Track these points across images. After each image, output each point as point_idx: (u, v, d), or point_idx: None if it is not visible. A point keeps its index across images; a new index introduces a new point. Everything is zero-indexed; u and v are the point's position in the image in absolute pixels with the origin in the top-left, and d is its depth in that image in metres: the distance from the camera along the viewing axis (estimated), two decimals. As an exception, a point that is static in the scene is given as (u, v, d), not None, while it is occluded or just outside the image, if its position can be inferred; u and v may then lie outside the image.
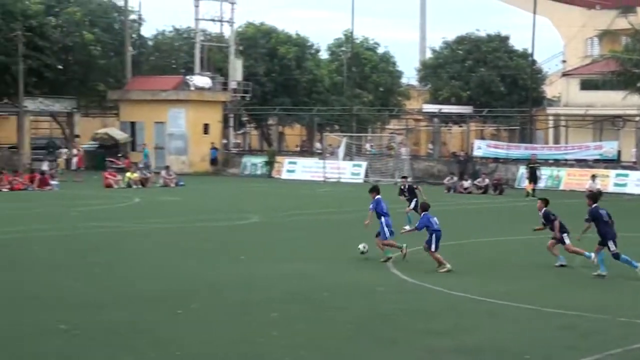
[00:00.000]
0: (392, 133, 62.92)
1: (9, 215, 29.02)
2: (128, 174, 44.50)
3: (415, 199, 25.71)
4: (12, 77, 56.11)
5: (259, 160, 57.02)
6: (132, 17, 65.77)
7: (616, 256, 17.42)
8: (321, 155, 54.83)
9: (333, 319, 13.32)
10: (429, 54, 73.93)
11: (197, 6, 61.04)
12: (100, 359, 10.69)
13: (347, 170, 51.95)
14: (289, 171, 53.73)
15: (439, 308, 14.34)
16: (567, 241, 18.62)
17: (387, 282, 16.70)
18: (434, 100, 65.28)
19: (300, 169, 53.66)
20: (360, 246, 19.56)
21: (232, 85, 60.76)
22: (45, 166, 46.23)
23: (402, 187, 26.97)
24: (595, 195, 18.62)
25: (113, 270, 17.43)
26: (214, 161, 57.21)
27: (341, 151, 53.89)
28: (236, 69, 61.12)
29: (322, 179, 50.34)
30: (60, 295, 14.61)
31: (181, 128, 57.40)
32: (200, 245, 21.73)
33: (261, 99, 64.72)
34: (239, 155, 60.30)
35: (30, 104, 57.77)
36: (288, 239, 23.40)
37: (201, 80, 58.69)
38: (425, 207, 18.89)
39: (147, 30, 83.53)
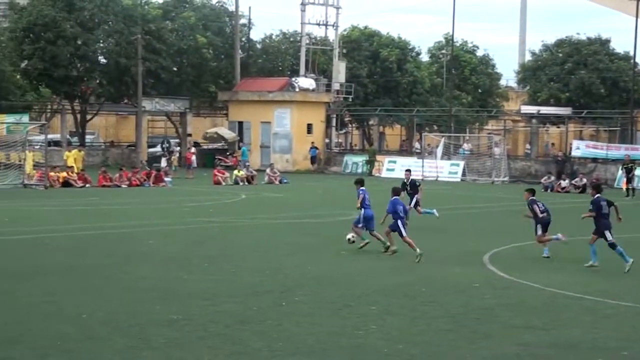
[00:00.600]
0: (489, 134, 62.07)
1: (128, 210, 29.84)
2: (235, 172, 45.16)
3: (416, 195, 25.31)
4: (131, 78, 57.66)
5: (360, 159, 57.06)
6: (242, 21, 66.66)
7: (612, 246, 17.55)
8: (420, 154, 54.52)
9: (430, 313, 13.26)
10: (528, 57, 72.72)
11: (303, 11, 61.49)
12: (206, 348, 10.87)
13: (445, 170, 51.55)
14: (388, 170, 53.60)
15: (536, 304, 14.12)
16: (539, 232, 19.11)
17: (483, 278, 16.53)
18: (533, 101, 64.19)
19: (399, 168, 53.39)
20: (349, 235, 19.96)
21: (335, 86, 60.97)
22: (163, 163, 47.42)
23: (405, 182, 26.08)
24: (598, 186, 18.69)
25: (221, 263, 17.73)
26: (313, 160, 57.40)
27: (439, 151, 53.49)
28: (339, 71, 61.30)
29: (420, 177, 50.03)
30: (173, 287, 14.95)
31: (286, 128, 57.91)
32: (304, 240, 21.91)
33: (363, 100, 64.77)
34: (341, 154, 60.52)
35: (147, 104, 59.23)
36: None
37: (306, 82, 59.10)
38: (397, 192, 19.33)
39: (256, 34, 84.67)
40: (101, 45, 59.88)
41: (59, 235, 21.58)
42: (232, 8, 65.42)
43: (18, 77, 57.79)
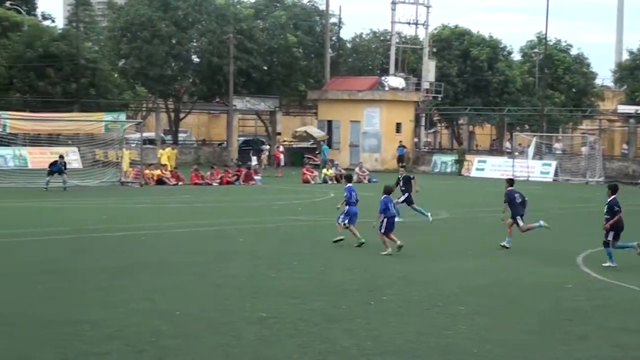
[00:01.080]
0: (583, 133, 60.80)
1: (219, 208, 30.31)
2: (324, 170, 45.36)
3: (408, 192, 25.16)
4: (223, 77, 58.57)
5: (449, 158, 56.63)
6: (333, 20, 66.97)
7: (607, 245, 17.83)
8: (510, 154, 53.78)
9: (520, 314, 13.12)
10: (625, 56, 70.98)
11: (393, 10, 61.38)
12: (296, 346, 10.99)
13: (536, 169, 50.74)
14: (478, 169, 53.06)
15: (632, 306, 13.85)
16: (520, 223, 19.91)
17: (576, 279, 16.27)
18: (630, 101, 62.61)
19: (489, 168, 52.89)
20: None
21: (425, 85, 60.69)
22: (254, 161, 47.98)
23: (399, 177, 25.98)
24: (615, 187, 18.53)
25: (310, 262, 17.87)
26: (400, 158, 56.89)
27: (531, 150, 52.66)
28: (429, 70, 60.99)
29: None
30: (263, 285, 15.14)
31: (375, 127, 57.89)
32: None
33: (452, 99, 64.28)
34: (430, 153, 60.21)
35: (238, 103, 60.03)
36: (474, 234, 23.19)
37: (395, 81, 58.99)
38: (388, 191, 19.61)
39: (346, 33, 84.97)
40: (194, 44, 60.96)
41: (153, 233, 22.09)
42: (322, 7, 65.75)
43: (116, 75, 59.31)
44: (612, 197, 17.97)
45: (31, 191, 34.74)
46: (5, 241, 19.95)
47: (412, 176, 26.37)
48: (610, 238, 17.73)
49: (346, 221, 20.28)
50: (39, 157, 44.06)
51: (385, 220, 19.05)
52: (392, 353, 10.78)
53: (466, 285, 15.44)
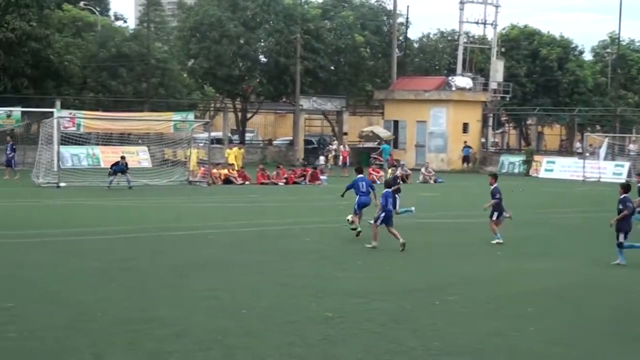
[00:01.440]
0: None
1: (285, 207, 30.46)
2: (389, 170, 45.15)
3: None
4: (290, 77, 58.84)
5: (517, 159, 55.98)
6: (400, 20, 66.76)
7: (620, 245, 17.87)
8: (581, 155, 52.89)
9: (589, 317, 12.93)
10: None
11: (461, 9, 60.91)
12: (361, 346, 10.99)
13: (608, 171, 49.79)
14: (547, 170, 52.33)
15: None
16: (494, 217, 20.66)
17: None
18: None
19: (558, 168, 52.12)
20: (349, 217, 21.55)
21: (493, 85, 60.09)
22: (321, 161, 48.09)
23: (397, 176, 26.48)
24: (627, 186, 18.62)
25: (374, 262, 17.87)
26: (466, 159, 56.45)
27: (602, 151, 51.71)
28: (497, 70, 60.38)
29: (581, 178, 48.56)
30: (327, 284, 15.19)
31: (441, 127, 57.54)
32: (456, 239, 21.82)
33: (521, 99, 63.52)
34: (497, 153, 59.59)
35: (305, 103, 60.25)
36: (541, 235, 22.89)
37: (463, 80, 58.55)
38: (389, 185, 20.46)
39: (413, 33, 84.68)
40: (262, 44, 61.32)
41: (220, 232, 22.33)
42: (390, 7, 65.64)
43: (185, 75, 60.10)
44: (624, 195, 18.03)
45: (103, 190, 35.42)
46: (79, 239, 20.38)
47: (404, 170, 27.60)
48: (621, 239, 17.82)
49: (356, 208, 21.48)
50: (111, 156, 44.87)
51: (383, 214, 19.57)
52: (458, 353, 10.72)
53: (533, 287, 15.27)
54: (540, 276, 16.53)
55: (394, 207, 21.84)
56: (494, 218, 20.79)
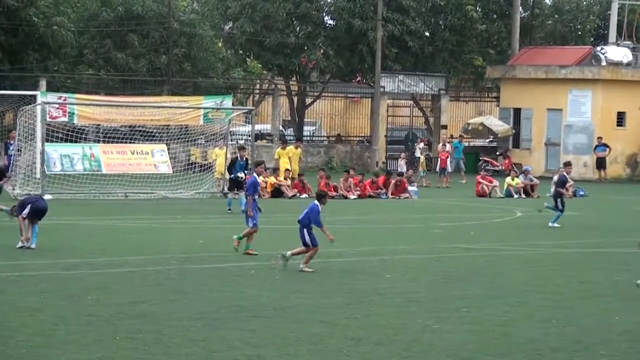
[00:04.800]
0: None
1: (358, 230, 30.56)
2: (508, 179, 45.01)
3: None
4: (368, 47, 58.54)
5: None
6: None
7: None
8: None
9: None
10: None
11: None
12: None
13: None
14: None
15: None
16: None
17: None
18: None
19: None
20: None
21: (662, 59, 59.32)
22: (402, 166, 47.90)
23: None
24: None
25: (487, 308, 17.82)
26: (600, 163, 55.29)
27: None
28: (672, 37, 59.64)
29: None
30: (418, 339, 15.23)
31: (585, 117, 57.07)
32: (609, 277, 21.88)
33: None
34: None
35: (388, 84, 60.23)
36: None
37: (617, 52, 57.98)
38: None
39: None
40: (329, 1, 61.52)
41: (266, 264, 22.47)
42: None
43: (220, 45, 60.42)
44: None
45: (106, 205, 35.94)
46: (70, 274, 20.71)
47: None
48: None
49: None
50: (116, 158, 45.34)
51: None
52: None
53: None
54: None
55: None
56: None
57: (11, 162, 39.38)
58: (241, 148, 35.67)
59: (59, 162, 45.01)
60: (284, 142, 48.46)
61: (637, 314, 17.88)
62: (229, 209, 33.57)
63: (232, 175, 34.35)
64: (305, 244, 21.81)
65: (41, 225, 24.13)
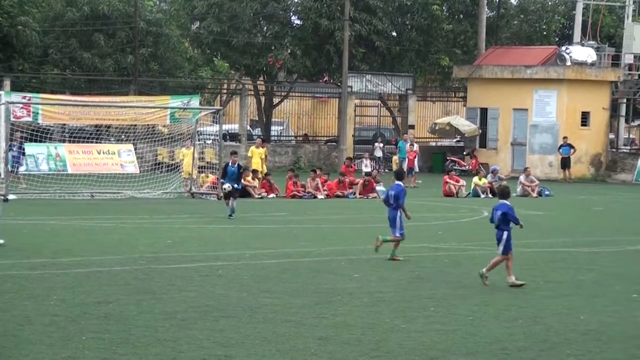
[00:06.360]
0: None
1: (325, 230, 30.57)
2: (475, 179, 45.16)
3: None
4: (335, 47, 58.62)
5: (661, 163, 55.60)
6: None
7: None
8: None
9: None
10: None
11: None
12: None
13: None
14: None
15: None
16: None
17: None
18: None
19: None
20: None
21: (627, 59, 59.65)
22: (367, 166, 47.94)
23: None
24: None
25: (454, 308, 17.87)
26: (565, 163, 55.19)
27: None
28: (634, 37, 59.87)
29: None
30: (387, 338, 15.24)
31: (550, 117, 57.30)
32: (573, 276, 21.98)
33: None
34: (634, 155, 59.10)
35: (355, 83, 60.23)
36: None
37: (582, 52, 58.21)
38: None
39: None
40: (295, 1, 61.53)
41: (234, 265, 22.41)
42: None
43: (187, 44, 60.35)
44: None
45: (72, 204, 35.78)
46: (35, 274, 20.61)
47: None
48: None
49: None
50: (82, 158, 45.23)
51: None
52: None
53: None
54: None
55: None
56: None
57: None
58: (233, 153, 34.99)
59: (24, 161, 44.82)
60: (264, 141, 48.33)
61: (602, 313, 17.97)
62: (230, 215, 32.74)
63: (222, 187, 33.33)
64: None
65: (5, 225, 23.99)
